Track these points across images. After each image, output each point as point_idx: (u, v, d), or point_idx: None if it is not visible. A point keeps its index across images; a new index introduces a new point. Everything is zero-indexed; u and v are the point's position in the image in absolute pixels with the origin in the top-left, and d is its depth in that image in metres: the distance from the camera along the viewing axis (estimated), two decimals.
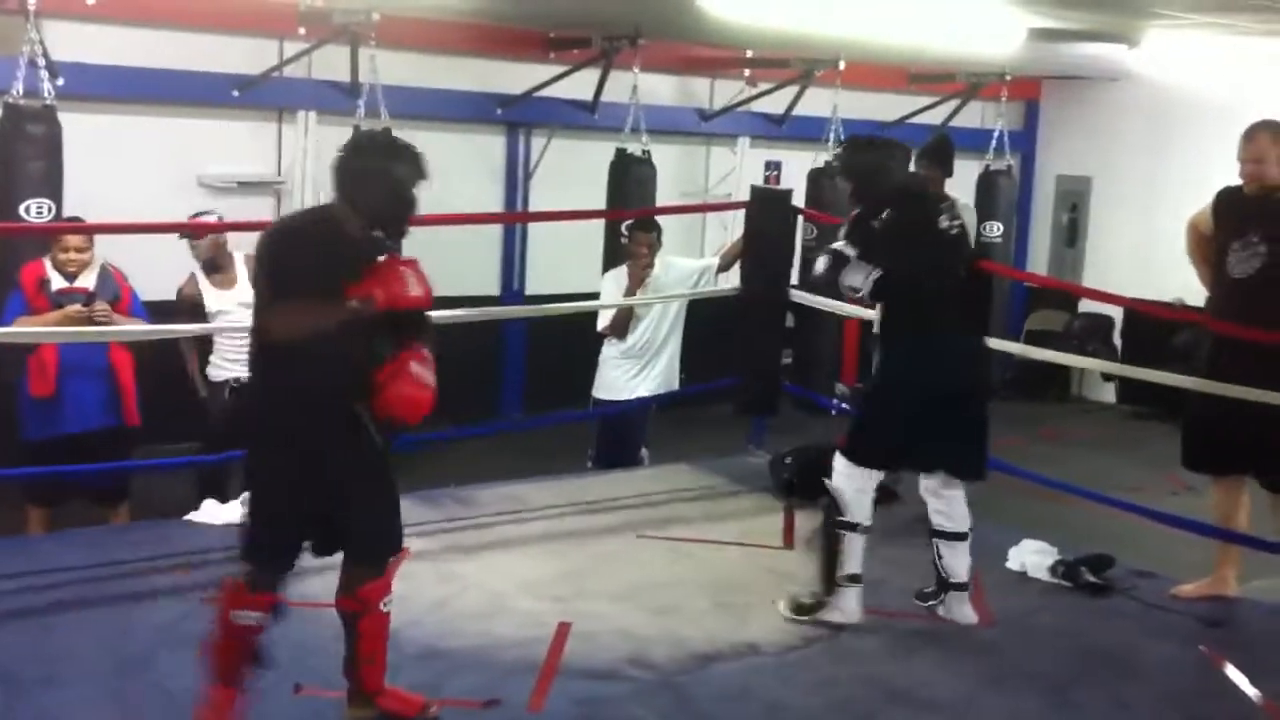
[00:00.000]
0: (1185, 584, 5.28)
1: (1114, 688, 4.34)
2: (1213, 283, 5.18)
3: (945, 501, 4.79)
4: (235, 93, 7.94)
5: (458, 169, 8.84)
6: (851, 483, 4.66)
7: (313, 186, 8.13)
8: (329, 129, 8.01)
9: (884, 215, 4.64)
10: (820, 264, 4.80)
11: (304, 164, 8.29)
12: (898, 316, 4.70)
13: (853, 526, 4.65)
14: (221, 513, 5.50)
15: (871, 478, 4.68)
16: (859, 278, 4.64)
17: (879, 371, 4.85)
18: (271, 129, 8.43)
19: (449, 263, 8.34)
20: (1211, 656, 4.65)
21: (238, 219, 6.96)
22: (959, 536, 4.82)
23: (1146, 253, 10.34)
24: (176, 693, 3.94)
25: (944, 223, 4.66)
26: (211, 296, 6.11)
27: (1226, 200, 5.15)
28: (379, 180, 3.64)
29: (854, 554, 4.67)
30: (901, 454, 4.72)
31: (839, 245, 4.80)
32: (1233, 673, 4.51)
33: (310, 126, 8.34)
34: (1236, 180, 5.09)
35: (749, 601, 4.95)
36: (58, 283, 5.68)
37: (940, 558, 4.82)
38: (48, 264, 5.71)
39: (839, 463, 4.68)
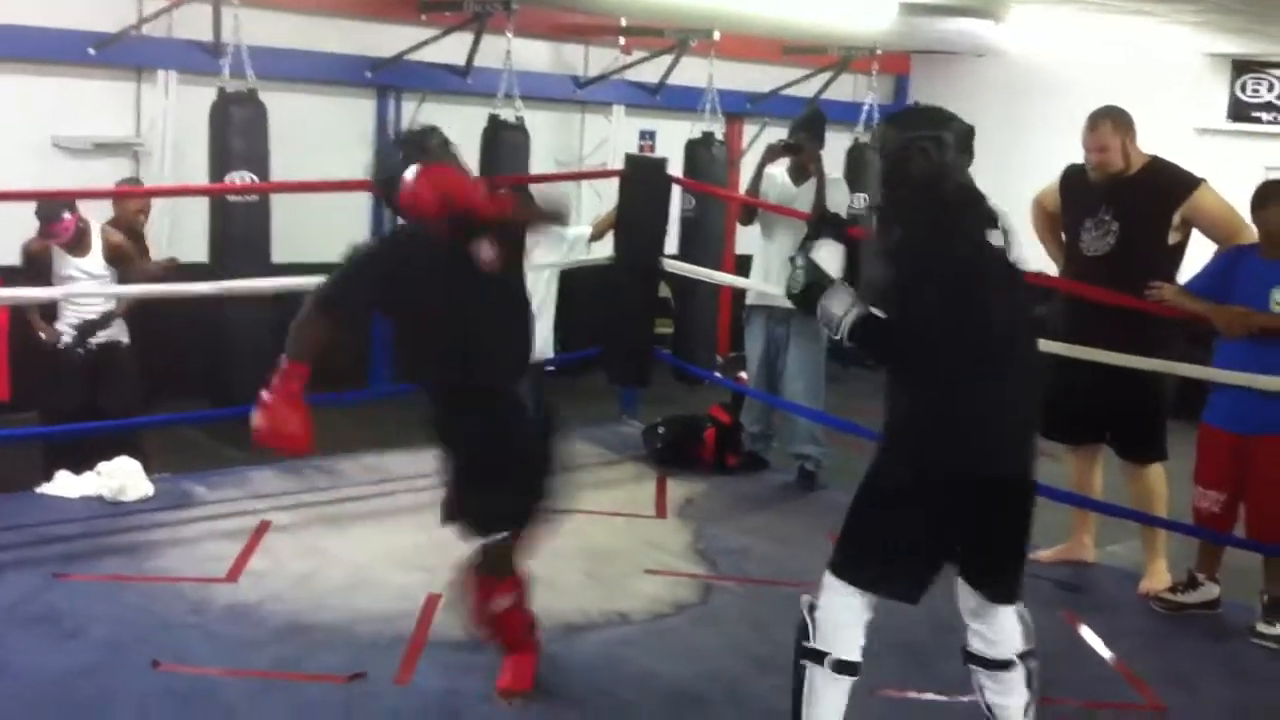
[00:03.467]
0: (1044, 549, 5.41)
1: None
2: (1066, 260, 5.30)
3: (986, 622, 3.50)
4: (91, 51, 7.65)
5: (327, 133, 8.65)
6: (835, 612, 3.37)
7: (173, 149, 7.88)
8: (190, 89, 7.77)
9: (901, 231, 3.33)
10: (792, 277, 3.47)
11: (164, 126, 8.02)
12: (917, 367, 3.27)
13: (820, 656, 3.37)
14: (76, 485, 5.33)
15: (867, 605, 3.37)
16: (837, 309, 3.28)
17: (883, 451, 3.38)
18: (130, 89, 8.14)
19: (317, 229, 8.21)
20: (1069, 620, 4.78)
21: (94, 181, 6.76)
22: (1005, 665, 3.50)
23: (1012, 223, 10.54)
24: (25, 673, 3.81)
25: (995, 241, 3.26)
26: (61, 260, 5.92)
27: (1074, 178, 5.26)
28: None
29: (825, 704, 3.36)
30: (920, 580, 3.36)
31: (825, 248, 3.48)
32: (1089, 635, 4.65)
33: (171, 87, 8.08)
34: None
35: (620, 571, 4.95)
36: None
37: (984, 694, 3.54)
38: None
39: (827, 578, 3.39)
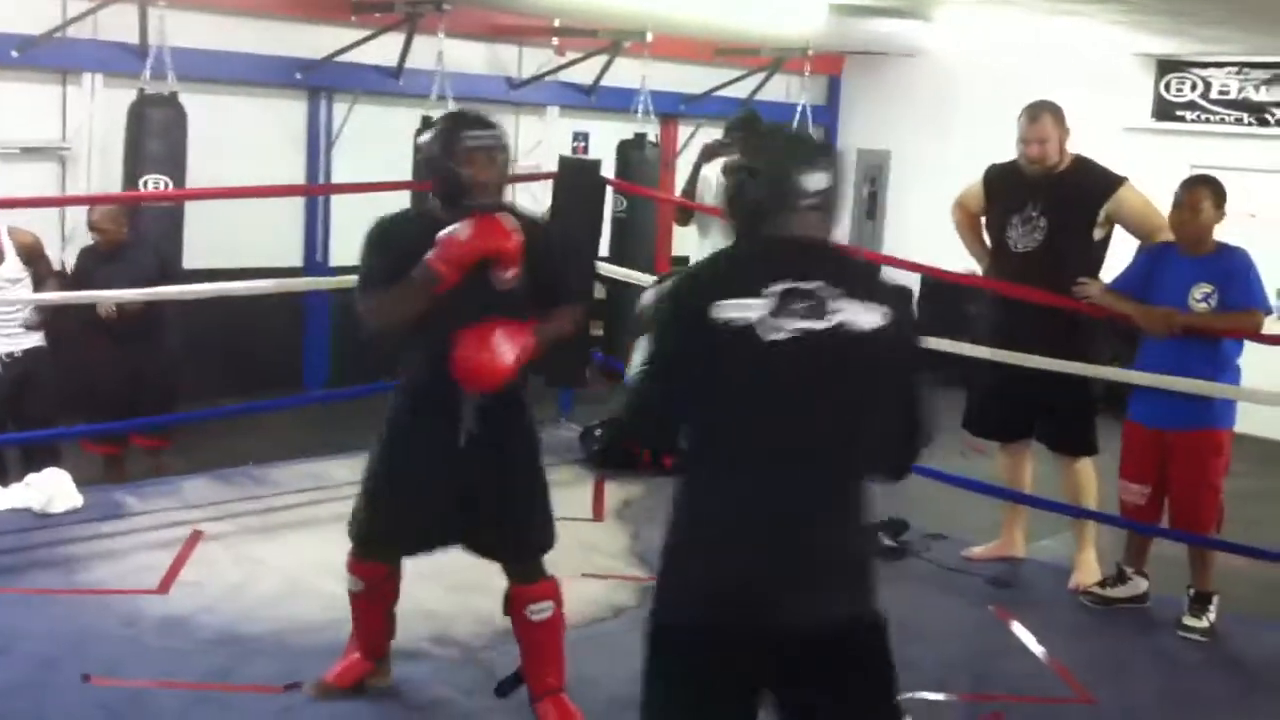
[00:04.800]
0: (976, 546, 5.49)
1: (904, 650, 4.42)
2: (993, 257, 5.36)
3: None
4: (14, 53, 7.51)
5: (257, 135, 8.56)
6: None
7: (100, 152, 7.76)
8: (116, 92, 7.65)
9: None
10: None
11: (90, 129, 7.90)
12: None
13: None
14: (3, 497, 5.24)
15: None
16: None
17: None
18: (55, 92, 8.00)
19: (250, 233, 8.15)
20: (1000, 616, 4.84)
21: (21, 187, 6.64)
22: None
23: (939, 226, 10.63)
24: None
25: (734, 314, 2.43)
26: None
27: (999, 176, 5.33)
28: (421, 157, 3.52)
29: None
30: None
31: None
32: (1020, 631, 4.72)
33: (96, 89, 7.95)
34: (1011, 156, 5.26)
35: (557, 574, 4.93)
36: None
37: None
38: None
39: None
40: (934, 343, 6.27)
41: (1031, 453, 5.42)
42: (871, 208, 12.01)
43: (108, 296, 5.72)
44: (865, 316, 2.39)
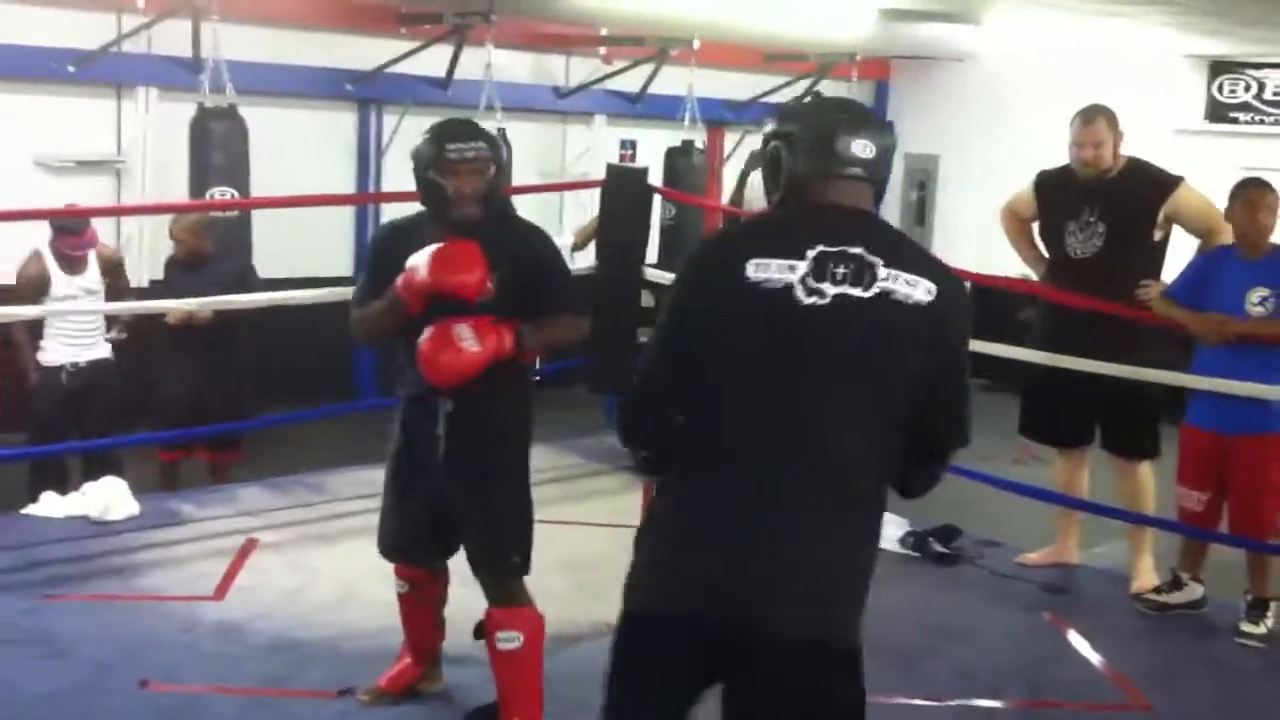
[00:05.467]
0: (1030, 552, 5.44)
1: (959, 657, 4.45)
2: (1052, 264, 5.30)
3: None
4: (71, 68, 7.64)
5: (308, 146, 8.65)
6: None
7: (155, 166, 7.87)
8: (171, 106, 7.76)
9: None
10: None
11: (145, 142, 8.01)
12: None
13: None
14: (62, 505, 5.32)
15: None
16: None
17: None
18: (111, 106, 8.13)
19: (301, 243, 8.23)
20: (1055, 623, 4.80)
21: (76, 199, 6.72)
22: None
23: (990, 230, 10.57)
24: (13, 693, 3.81)
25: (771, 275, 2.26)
26: (60, 280, 5.76)
27: (1053, 182, 5.28)
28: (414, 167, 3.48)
29: None
30: None
31: None
32: (1075, 638, 4.67)
33: (151, 103, 8.07)
34: (1063, 160, 5.21)
35: (609, 582, 4.90)
36: None
37: None
38: None
39: None
40: (987, 347, 6.26)
41: (1089, 459, 5.35)
42: (920, 213, 11.94)
43: (164, 306, 5.78)
44: (912, 289, 2.22)
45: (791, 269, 2.21)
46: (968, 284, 10.65)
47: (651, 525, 2.37)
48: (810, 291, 2.20)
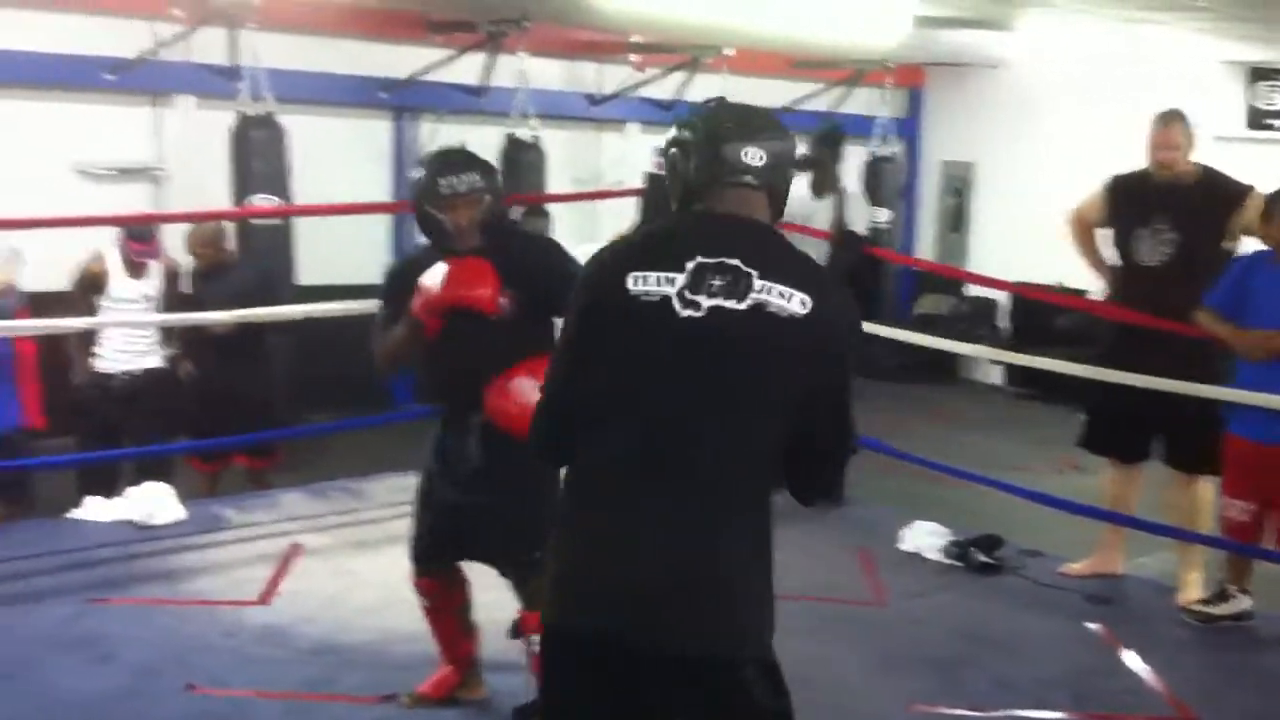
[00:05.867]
0: (1073, 562, 5.40)
1: (1003, 667, 4.43)
2: (1118, 271, 5.24)
3: None
4: (109, 76, 7.70)
5: (344, 154, 8.69)
6: None
7: (193, 173, 7.92)
8: (209, 113, 7.81)
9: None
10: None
11: (183, 150, 8.07)
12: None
13: None
14: (108, 509, 5.35)
15: None
16: None
17: None
18: (149, 114, 8.19)
19: (337, 251, 8.26)
20: (1099, 634, 4.76)
21: (113, 208, 6.79)
22: None
23: (1027, 236, 10.55)
24: (60, 697, 3.84)
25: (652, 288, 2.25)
26: (119, 282, 5.75)
27: (1125, 187, 5.20)
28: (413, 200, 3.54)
29: None
30: None
31: None
32: (1119, 648, 4.63)
33: (189, 111, 8.12)
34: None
35: None
36: None
37: None
38: None
39: None
40: (1034, 362, 6.21)
41: (1143, 473, 5.31)
42: (956, 220, 11.91)
43: (217, 319, 5.78)
44: (785, 301, 2.19)
45: (670, 281, 2.21)
46: (1003, 294, 10.70)
47: (556, 538, 2.33)
48: (687, 304, 2.20)
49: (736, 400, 2.20)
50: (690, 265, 2.21)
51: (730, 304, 2.18)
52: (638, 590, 2.19)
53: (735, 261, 2.21)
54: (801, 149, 6.28)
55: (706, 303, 2.19)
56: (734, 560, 2.22)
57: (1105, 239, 5.32)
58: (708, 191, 2.31)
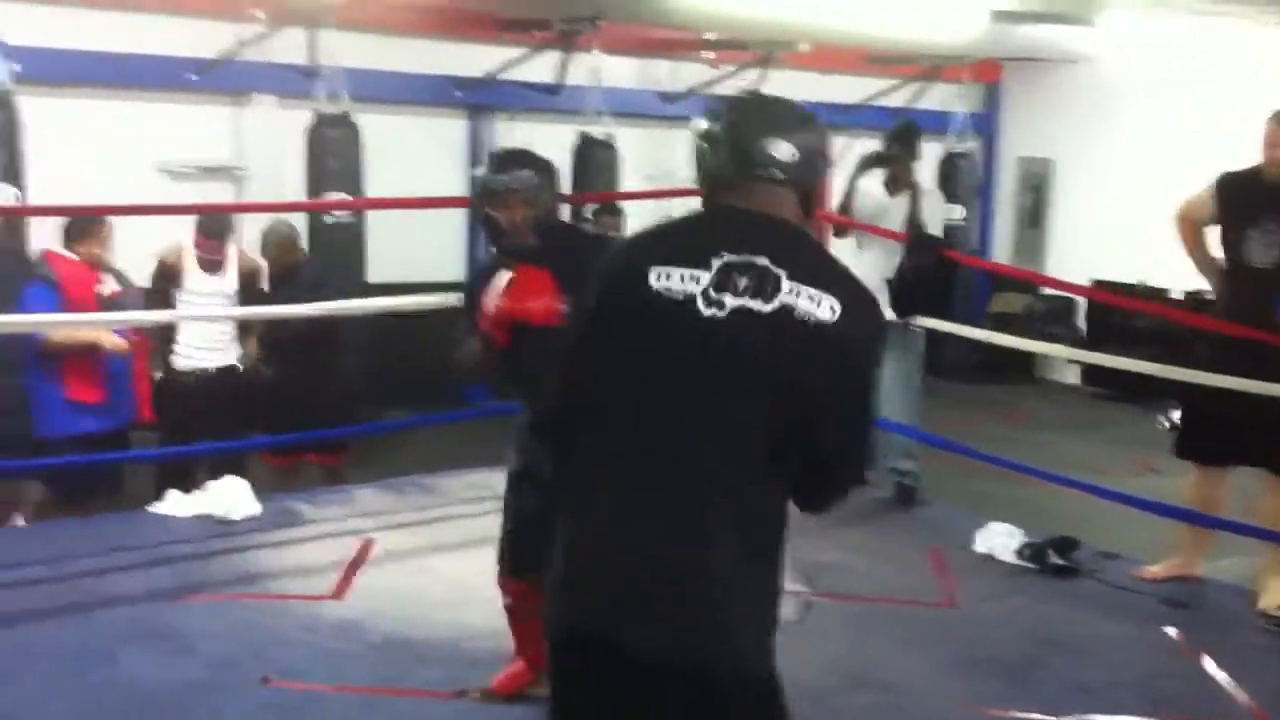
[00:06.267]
0: (1150, 565, 5.31)
1: (1077, 670, 4.37)
2: (1227, 272, 5.13)
3: None
4: (193, 76, 7.85)
5: (420, 153, 8.78)
6: None
7: (273, 172, 8.05)
8: (289, 113, 7.93)
9: None
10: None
11: (263, 149, 8.20)
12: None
13: None
14: (187, 504, 5.45)
15: None
16: None
17: None
18: (230, 113, 8.34)
19: (412, 248, 8.36)
20: (1177, 638, 4.69)
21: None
22: None
23: (1108, 234, 10.42)
24: (138, 688, 3.91)
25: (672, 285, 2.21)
26: (195, 276, 5.81)
27: (1235, 186, 5.04)
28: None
29: None
30: None
31: None
32: (1198, 654, 4.55)
33: (269, 110, 8.25)
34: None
35: None
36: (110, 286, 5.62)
37: None
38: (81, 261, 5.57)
39: None
40: (1115, 362, 6.10)
41: (1232, 476, 5.20)
42: (1034, 217, 11.76)
43: (290, 313, 5.85)
44: (814, 306, 2.10)
45: (695, 279, 2.14)
46: (1080, 298, 10.57)
47: (556, 542, 2.25)
48: (711, 303, 2.12)
49: (750, 403, 2.11)
50: (717, 263, 2.13)
51: (755, 304, 2.11)
52: (626, 593, 2.13)
53: (763, 261, 2.13)
54: (876, 146, 6.31)
55: (731, 302, 2.11)
56: (726, 569, 2.11)
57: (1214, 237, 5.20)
58: (734, 186, 2.24)
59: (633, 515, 2.14)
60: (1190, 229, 5.21)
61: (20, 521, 5.61)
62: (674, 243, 2.23)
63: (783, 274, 2.12)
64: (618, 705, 2.16)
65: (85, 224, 5.58)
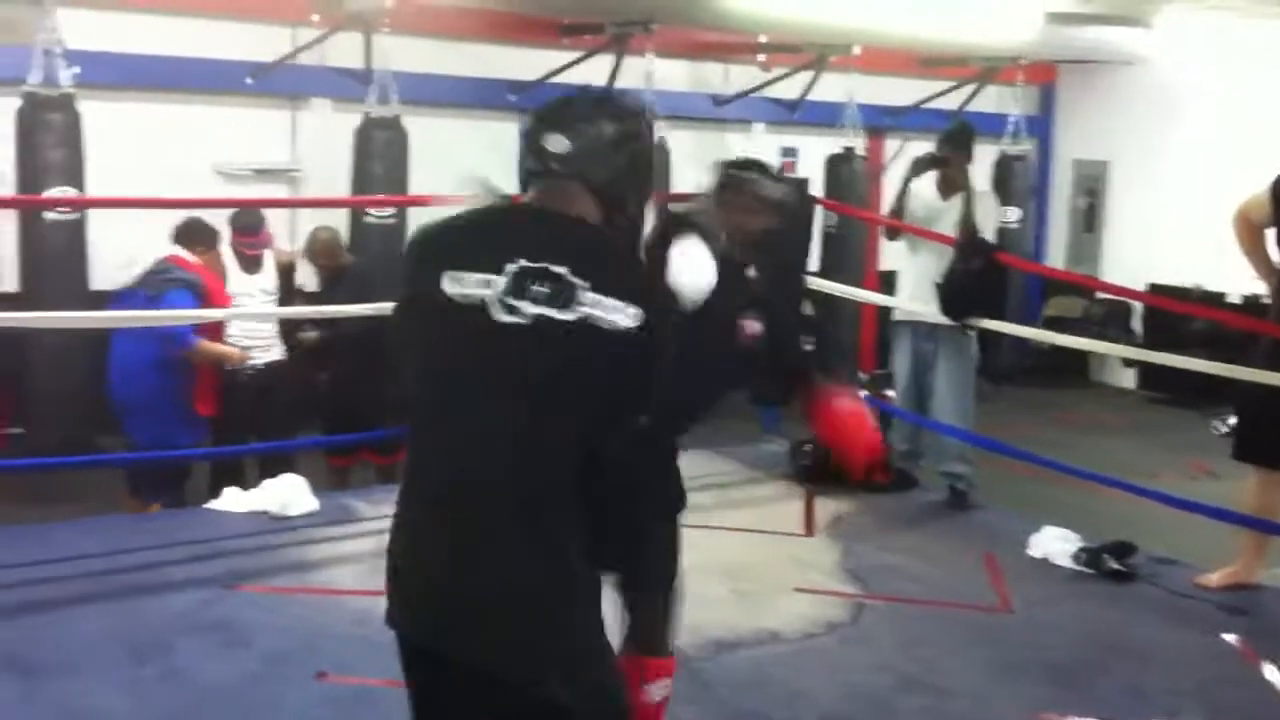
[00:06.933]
0: (1208, 571, 5.24)
1: (1134, 676, 4.32)
2: None
3: None
4: (249, 80, 7.93)
5: (472, 156, 8.79)
6: None
7: (328, 175, 8.11)
8: (344, 116, 7.99)
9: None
10: None
11: (318, 151, 8.27)
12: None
13: None
14: (243, 500, 5.51)
15: None
16: None
17: None
18: (286, 116, 8.42)
19: None
20: (1236, 645, 4.62)
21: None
22: None
23: (1164, 237, 10.31)
24: (194, 680, 3.96)
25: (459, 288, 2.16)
26: (235, 278, 5.95)
27: None
28: None
29: None
30: None
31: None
32: (1258, 661, 4.49)
33: (325, 114, 8.33)
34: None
35: (768, 589, 4.94)
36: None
37: None
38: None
39: None
40: (1171, 360, 6.03)
41: None
42: (1090, 220, 11.64)
43: (338, 312, 5.91)
44: (614, 315, 2.06)
45: (488, 284, 2.07)
46: (1136, 304, 10.46)
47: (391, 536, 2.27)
48: (508, 309, 2.06)
49: (551, 411, 2.08)
50: (512, 268, 2.07)
51: (554, 313, 2.05)
52: (432, 598, 2.14)
53: (562, 270, 2.07)
54: (930, 148, 6.27)
55: (531, 310, 2.05)
56: (531, 579, 2.10)
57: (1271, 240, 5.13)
58: (529, 184, 2.21)
59: (427, 520, 2.16)
60: (1248, 230, 5.14)
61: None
62: (470, 243, 2.16)
63: (583, 283, 2.06)
64: (438, 705, 2.22)
65: (204, 231, 5.75)
